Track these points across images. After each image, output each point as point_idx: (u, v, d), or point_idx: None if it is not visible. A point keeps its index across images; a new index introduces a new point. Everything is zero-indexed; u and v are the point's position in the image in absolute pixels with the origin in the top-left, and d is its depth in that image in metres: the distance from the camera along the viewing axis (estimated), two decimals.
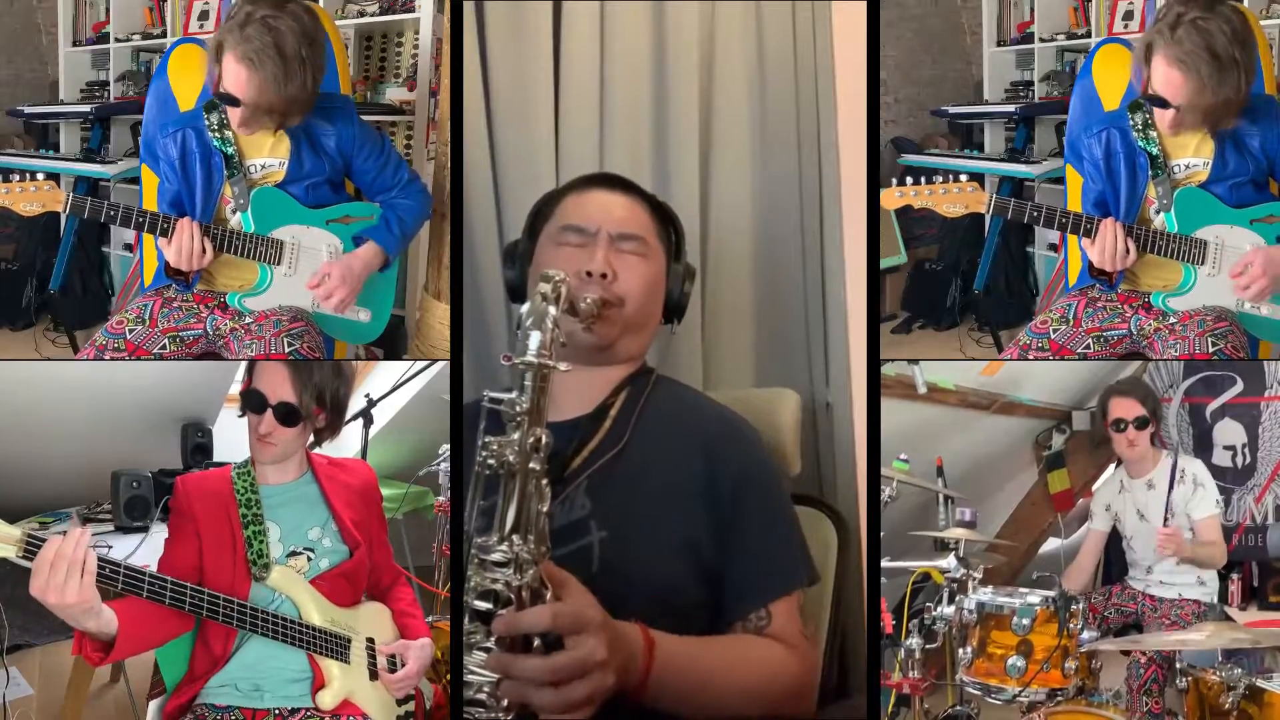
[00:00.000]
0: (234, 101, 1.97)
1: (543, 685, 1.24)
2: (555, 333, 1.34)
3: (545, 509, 1.32)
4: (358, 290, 2.11)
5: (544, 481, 1.32)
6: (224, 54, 1.96)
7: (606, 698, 1.28)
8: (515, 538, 1.28)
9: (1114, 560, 2.86)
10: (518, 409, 1.31)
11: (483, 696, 1.26)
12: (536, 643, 1.26)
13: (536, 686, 1.24)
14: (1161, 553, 2.55)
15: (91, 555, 1.51)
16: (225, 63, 1.96)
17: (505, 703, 1.26)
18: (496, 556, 1.27)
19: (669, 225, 1.77)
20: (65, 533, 1.53)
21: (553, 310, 1.35)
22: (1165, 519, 2.59)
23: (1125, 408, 2.64)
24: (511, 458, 1.29)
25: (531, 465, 1.30)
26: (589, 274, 1.62)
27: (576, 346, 1.61)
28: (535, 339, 1.33)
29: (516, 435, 1.30)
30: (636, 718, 1.40)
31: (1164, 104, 1.97)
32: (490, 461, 1.30)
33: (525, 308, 1.35)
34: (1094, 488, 2.96)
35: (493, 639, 1.26)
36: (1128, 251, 2.03)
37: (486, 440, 1.30)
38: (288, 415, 1.84)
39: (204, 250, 2.02)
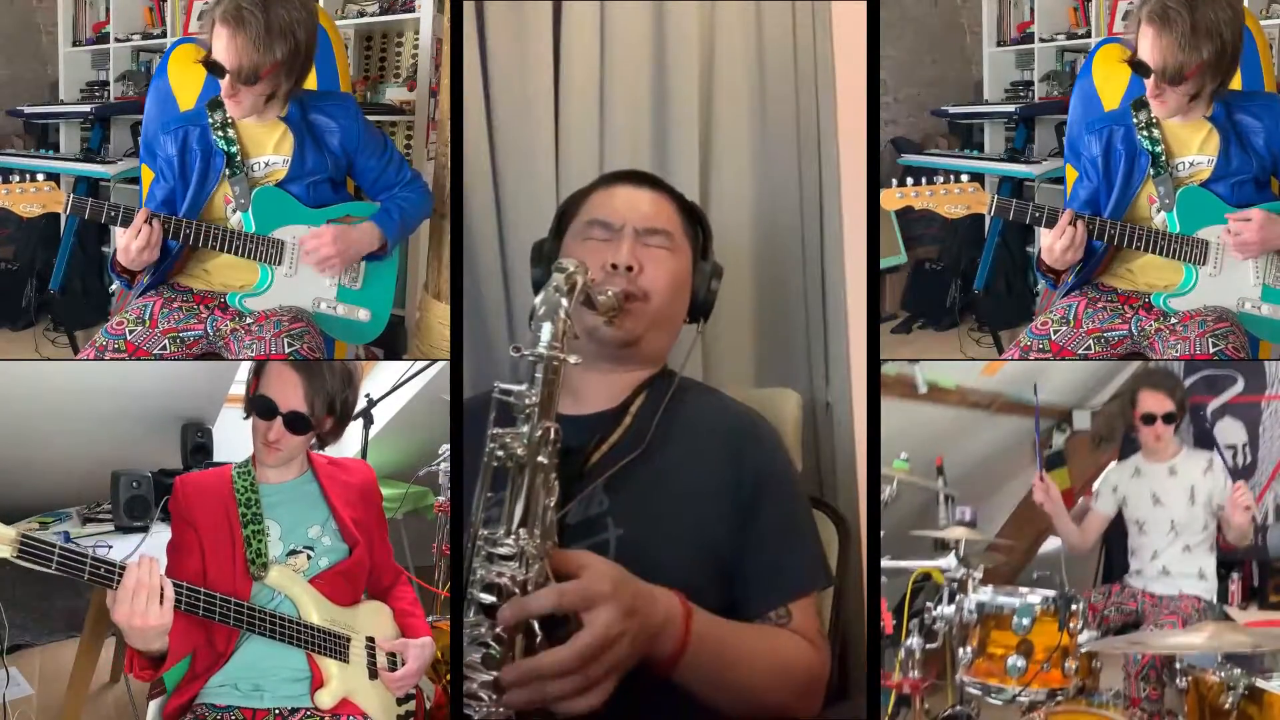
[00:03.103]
0: (220, 71, 1.97)
1: (564, 675, 1.22)
2: (568, 324, 1.34)
3: (553, 503, 1.31)
4: (347, 259, 2.09)
5: (553, 476, 1.31)
6: (214, 24, 1.96)
7: (627, 669, 1.26)
8: (522, 531, 1.27)
9: (1115, 558, 2.86)
10: (527, 401, 1.31)
11: (483, 695, 1.25)
12: (539, 639, 1.25)
13: (557, 678, 1.22)
14: (1239, 506, 2.53)
15: (168, 582, 1.61)
16: (214, 32, 1.96)
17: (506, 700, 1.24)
18: (503, 550, 1.27)
19: (696, 224, 1.76)
20: (119, 560, 1.61)
21: (565, 302, 1.34)
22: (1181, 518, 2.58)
23: (1155, 402, 2.63)
24: (520, 451, 1.29)
25: (540, 459, 1.30)
26: (614, 266, 1.61)
27: (601, 342, 1.61)
28: (547, 331, 1.32)
29: (526, 428, 1.30)
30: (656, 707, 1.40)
31: (1147, 70, 1.97)
32: (499, 454, 1.29)
33: (538, 299, 1.35)
34: (1103, 473, 2.95)
35: (496, 630, 1.25)
36: (1073, 245, 2.03)
37: (495, 432, 1.30)
38: (298, 424, 1.84)
39: (148, 245, 1.99)
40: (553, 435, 1.31)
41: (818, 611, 1.59)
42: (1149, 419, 2.63)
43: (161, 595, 1.59)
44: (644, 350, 1.66)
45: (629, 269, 1.61)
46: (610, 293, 1.55)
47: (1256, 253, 2.03)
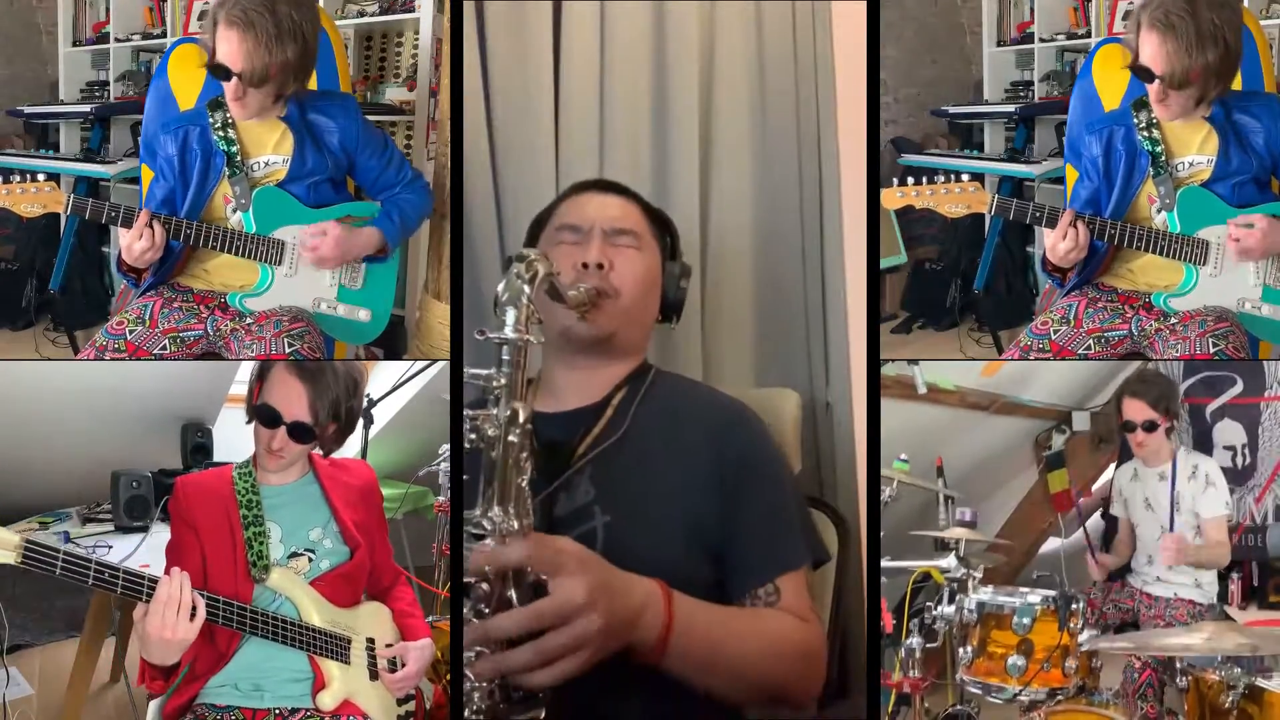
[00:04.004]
0: (227, 74, 1.97)
1: (514, 638, 1.25)
2: (531, 310, 1.37)
3: (525, 482, 1.34)
4: (345, 260, 2.09)
5: (524, 455, 1.34)
6: (217, 25, 1.96)
7: (602, 649, 1.28)
8: (497, 509, 1.30)
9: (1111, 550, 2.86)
10: (496, 384, 1.35)
11: (469, 675, 1.27)
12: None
13: (509, 644, 1.25)
14: (1166, 561, 2.55)
15: (199, 598, 1.65)
16: (218, 33, 1.96)
17: (492, 681, 1.26)
18: (480, 529, 1.30)
19: (663, 227, 1.80)
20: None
21: (528, 289, 1.37)
22: (1170, 522, 2.59)
23: (1135, 410, 2.64)
24: (491, 431, 1.33)
25: (510, 438, 1.33)
26: (585, 265, 1.65)
27: (576, 339, 1.64)
28: (511, 315, 1.36)
29: (496, 410, 1.34)
30: (648, 692, 1.40)
31: (1150, 76, 1.97)
32: (472, 436, 1.33)
33: (501, 286, 1.38)
34: (1106, 477, 2.95)
35: (478, 606, 1.28)
36: (1076, 245, 2.04)
37: (468, 414, 1.34)
38: (302, 434, 1.84)
39: (151, 246, 2.00)
40: (521, 416, 1.34)
41: (809, 588, 1.60)
42: (1129, 427, 2.64)
43: (194, 610, 1.63)
44: (619, 346, 1.69)
45: (599, 266, 1.65)
46: (581, 288, 1.60)
47: (1258, 258, 2.03)
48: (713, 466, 1.59)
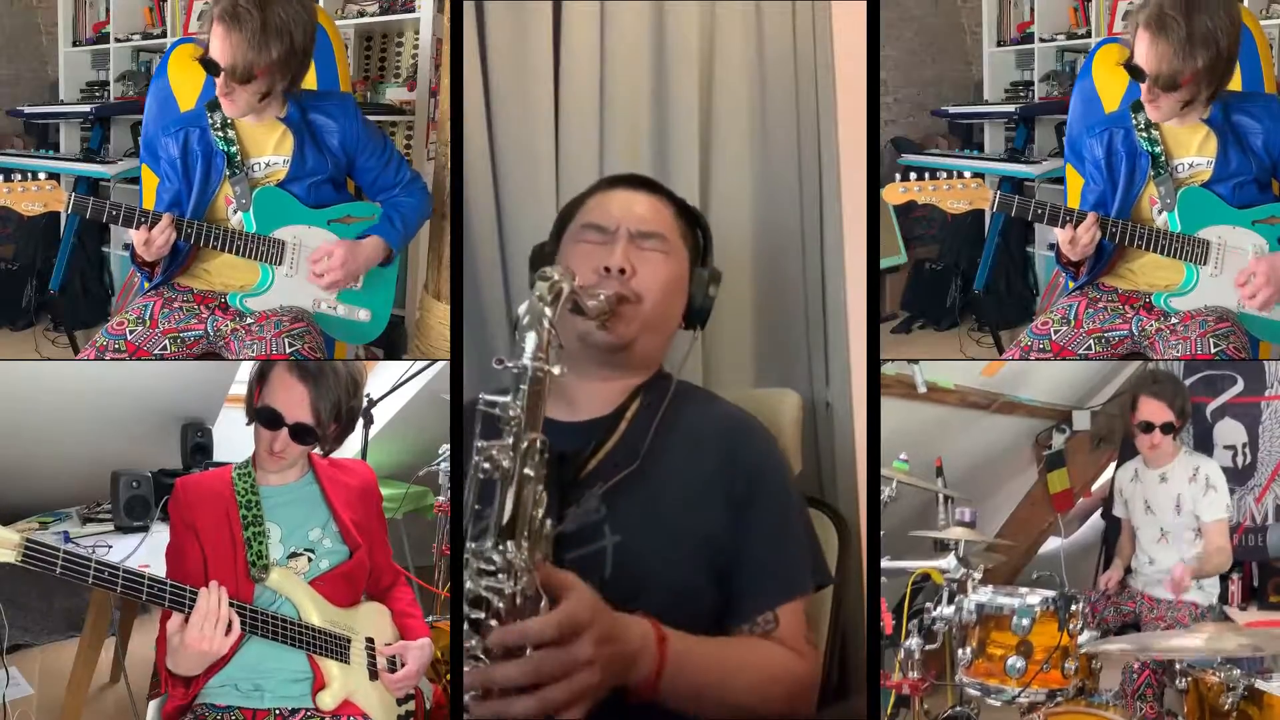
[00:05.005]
0: (216, 69, 1.97)
1: (523, 691, 1.22)
2: (552, 334, 1.31)
3: (541, 514, 1.29)
4: (355, 276, 2.10)
5: (540, 488, 1.29)
6: (212, 21, 1.97)
7: (597, 697, 1.26)
8: (510, 544, 1.25)
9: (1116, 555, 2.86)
10: (512, 413, 1.28)
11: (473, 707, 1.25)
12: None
13: (516, 694, 1.22)
14: (1170, 591, 2.54)
15: (234, 613, 1.69)
16: (211, 29, 1.97)
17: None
18: (490, 564, 1.25)
19: (695, 228, 1.74)
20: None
21: (549, 311, 1.32)
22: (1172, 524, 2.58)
23: (1154, 411, 2.60)
24: (506, 463, 1.27)
25: (526, 471, 1.28)
26: (607, 269, 1.59)
27: (593, 347, 1.60)
28: (531, 341, 1.30)
29: (511, 440, 1.28)
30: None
31: (1141, 75, 1.97)
32: (485, 466, 1.27)
33: (522, 308, 1.32)
34: (1106, 477, 2.94)
35: (486, 644, 1.25)
36: (1091, 241, 2.05)
37: (481, 445, 1.28)
38: (304, 435, 1.84)
39: (167, 240, 2.01)
40: (539, 447, 1.29)
41: (806, 616, 1.58)
42: (1146, 427, 2.62)
43: (229, 625, 1.67)
44: (637, 354, 1.64)
45: (621, 272, 1.60)
46: (601, 296, 1.54)
47: (1275, 299, 2.02)
48: (723, 486, 1.56)
